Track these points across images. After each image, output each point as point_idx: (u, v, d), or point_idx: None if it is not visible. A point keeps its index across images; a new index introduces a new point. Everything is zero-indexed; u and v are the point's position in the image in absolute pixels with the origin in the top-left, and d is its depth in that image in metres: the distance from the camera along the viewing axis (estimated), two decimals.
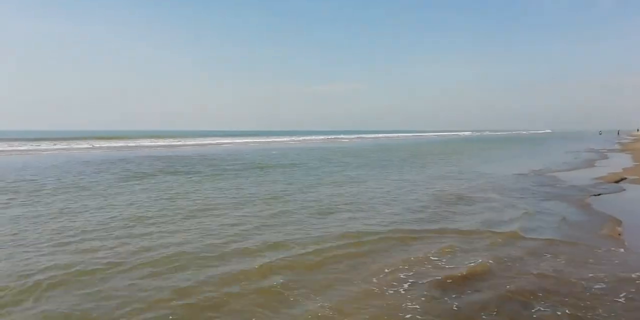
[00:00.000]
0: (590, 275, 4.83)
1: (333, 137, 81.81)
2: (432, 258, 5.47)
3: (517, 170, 16.51)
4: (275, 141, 59.63)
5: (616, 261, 5.34)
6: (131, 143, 47.50)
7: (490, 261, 5.29)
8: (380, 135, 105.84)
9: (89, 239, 6.40)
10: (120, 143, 47.21)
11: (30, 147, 37.13)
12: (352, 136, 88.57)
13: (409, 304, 4.11)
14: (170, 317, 3.82)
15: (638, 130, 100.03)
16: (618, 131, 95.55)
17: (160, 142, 50.78)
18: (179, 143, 49.83)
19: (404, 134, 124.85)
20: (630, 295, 4.26)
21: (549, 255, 5.59)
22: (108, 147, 38.45)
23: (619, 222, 7.51)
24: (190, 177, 14.37)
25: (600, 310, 3.92)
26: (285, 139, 70.09)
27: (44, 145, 39.93)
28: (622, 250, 5.83)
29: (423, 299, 4.24)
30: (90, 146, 40.39)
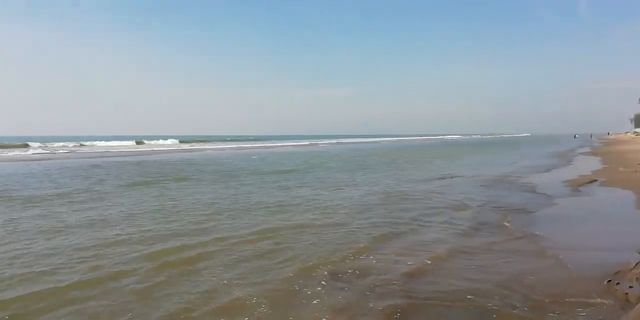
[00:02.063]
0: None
1: (311, 142, 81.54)
2: None
3: (489, 173, 16.59)
4: (250, 146, 59.00)
5: None
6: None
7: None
8: (362, 139, 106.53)
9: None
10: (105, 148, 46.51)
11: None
12: (333, 141, 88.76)
13: None
14: None
15: (608, 133, 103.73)
16: (591, 135, 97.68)
17: (144, 148, 50.33)
18: (161, 148, 49.29)
19: (387, 138, 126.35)
20: None
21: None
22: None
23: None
24: (198, 183, 14.01)
25: None
26: (260, 144, 69.33)
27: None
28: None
29: None
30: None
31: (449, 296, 4.34)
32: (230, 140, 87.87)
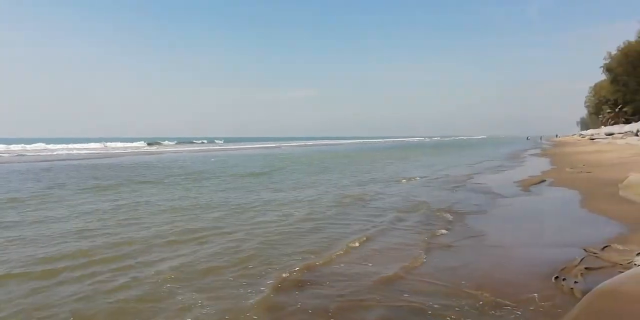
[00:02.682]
0: None
1: (276, 144, 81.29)
2: None
3: (445, 174, 17.09)
4: (208, 149, 57.95)
5: None
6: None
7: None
8: (326, 142, 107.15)
9: None
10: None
11: None
12: (299, 143, 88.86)
13: None
14: None
15: (557, 136, 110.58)
16: (540, 137, 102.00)
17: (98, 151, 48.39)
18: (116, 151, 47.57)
19: (349, 140, 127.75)
20: None
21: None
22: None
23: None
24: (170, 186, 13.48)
25: None
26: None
27: None
28: None
29: None
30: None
31: (390, 297, 4.42)
32: (200, 142, 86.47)
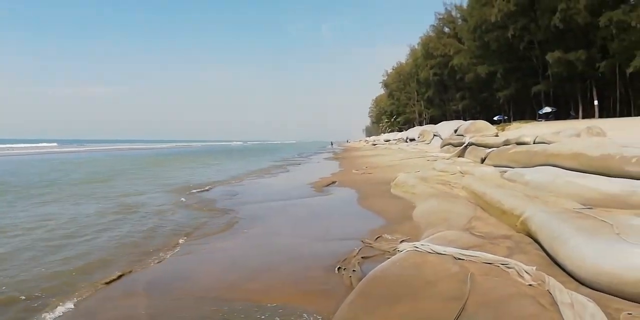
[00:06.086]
0: None
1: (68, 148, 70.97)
2: None
3: (242, 176, 17.44)
4: None
5: None
6: None
7: None
8: (141, 145, 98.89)
9: None
10: None
11: None
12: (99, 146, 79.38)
13: None
14: None
15: (347, 141, 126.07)
16: (332, 142, 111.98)
17: None
18: None
19: (169, 144, 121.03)
20: None
21: None
22: None
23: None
24: None
25: None
26: None
27: None
28: None
29: None
30: None
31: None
32: None
